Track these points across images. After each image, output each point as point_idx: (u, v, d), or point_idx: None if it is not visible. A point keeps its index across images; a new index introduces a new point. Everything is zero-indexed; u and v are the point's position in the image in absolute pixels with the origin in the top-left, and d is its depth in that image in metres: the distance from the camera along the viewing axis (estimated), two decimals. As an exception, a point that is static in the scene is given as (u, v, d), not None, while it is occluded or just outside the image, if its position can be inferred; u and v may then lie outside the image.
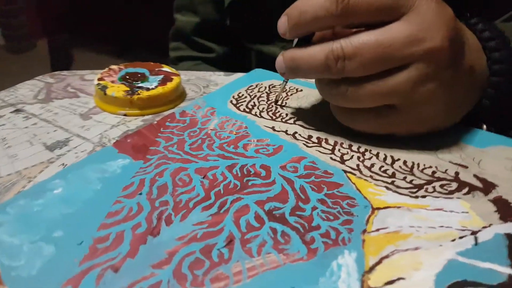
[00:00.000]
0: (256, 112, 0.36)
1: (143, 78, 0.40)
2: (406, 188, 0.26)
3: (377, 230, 0.23)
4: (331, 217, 0.23)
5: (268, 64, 0.57)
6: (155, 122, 0.34)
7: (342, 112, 0.31)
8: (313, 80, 0.45)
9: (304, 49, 0.29)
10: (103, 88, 0.37)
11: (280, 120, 0.34)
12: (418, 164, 0.28)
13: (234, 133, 0.32)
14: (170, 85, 0.38)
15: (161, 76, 0.40)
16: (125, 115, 0.37)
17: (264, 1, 0.57)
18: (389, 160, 0.29)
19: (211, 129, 0.33)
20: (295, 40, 0.31)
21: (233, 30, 0.65)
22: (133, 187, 0.26)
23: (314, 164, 0.28)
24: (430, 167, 0.28)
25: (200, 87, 0.44)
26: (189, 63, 0.71)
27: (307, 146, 0.30)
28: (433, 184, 0.26)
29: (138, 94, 0.37)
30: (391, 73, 0.27)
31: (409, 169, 0.28)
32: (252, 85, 0.41)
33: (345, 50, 0.27)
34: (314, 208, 0.24)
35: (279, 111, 0.36)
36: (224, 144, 0.31)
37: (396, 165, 0.28)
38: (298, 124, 0.34)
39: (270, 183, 0.26)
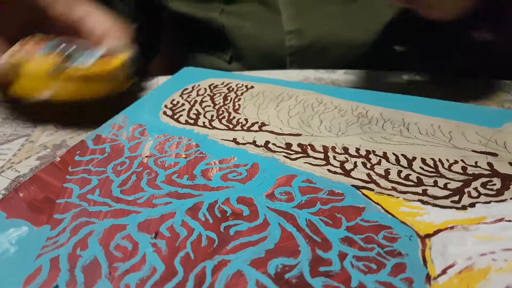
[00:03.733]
0: (204, 122, 0.26)
1: (75, 52, 0.29)
2: (446, 197, 0.19)
3: (444, 272, 0.15)
4: (373, 266, 0.15)
5: (208, 36, 0.44)
6: (58, 159, 0.22)
7: None
8: (264, 73, 0.37)
9: None
10: (17, 65, 0.26)
11: (240, 128, 0.25)
12: (441, 160, 0.21)
13: (183, 156, 0.22)
14: (115, 61, 0.28)
15: (100, 51, 0.29)
16: (49, 98, 0.26)
17: None
18: (403, 161, 0.21)
19: (147, 156, 0.22)
20: None
21: None
22: (41, 275, 0.15)
23: (311, 183, 0.20)
24: (456, 162, 0.21)
25: (113, 100, 0.33)
26: None
27: (291, 159, 0.22)
28: (473, 185, 0.20)
29: (73, 69, 0.26)
30: None
31: (434, 169, 0.21)
32: (187, 88, 0.31)
33: None
34: (342, 256, 0.16)
35: (234, 117, 0.27)
36: (174, 175, 0.21)
37: (415, 166, 0.21)
38: (266, 130, 0.25)
39: (261, 226, 0.17)
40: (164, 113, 0.27)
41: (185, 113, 0.27)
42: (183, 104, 0.28)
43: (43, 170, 0.21)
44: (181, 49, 0.53)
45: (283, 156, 0.22)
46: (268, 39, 0.42)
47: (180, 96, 0.30)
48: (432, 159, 0.21)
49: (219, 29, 0.45)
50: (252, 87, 0.31)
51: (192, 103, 0.29)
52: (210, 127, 0.25)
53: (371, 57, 0.42)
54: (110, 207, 0.18)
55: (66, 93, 0.27)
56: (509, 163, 0.21)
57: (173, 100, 0.29)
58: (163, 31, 0.53)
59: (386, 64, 0.39)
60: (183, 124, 0.26)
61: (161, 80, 0.35)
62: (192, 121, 0.26)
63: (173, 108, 0.28)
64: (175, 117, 0.27)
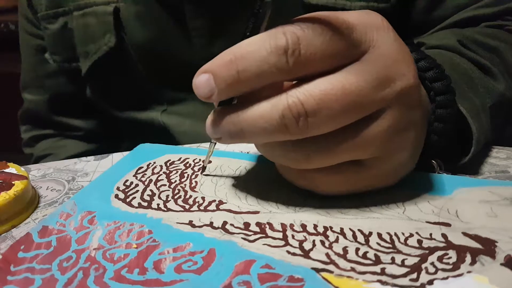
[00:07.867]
0: (159, 203, 0.25)
1: None
2: (404, 276, 0.19)
3: None
4: None
5: (148, 133, 0.47)
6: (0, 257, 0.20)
7: (303, 176, 0.24)
8: (221, 146, 0.37)
9: (249, 109, 0.21)
10: None
11: (197, 208, 0.25)
12: (396, 235, 0.21)
13: (134, 246, 0.21)
14: (3, 197, 0.25)
15: None
16: None
17: (132, 65, 0.48)
18: (360, 238, 0.21)
19: (95, 249, 0.21)
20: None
21: (96, 100, 0.54)
22: None
23: (270, 268, 0.19)
24: (411, 235, 0.21)
25: (63, 182, 0.31)
26: (48, 141, 0.58)
27: (249, 241, 0.21)
28: (430, 260, 0.20)
29: None
30: (362, 124, 0.21)
31: (390, 245, 0.21)
32: (141, 167, 0.30)
33: (306, 105, 0.20)
34: None
35: (191, 196, 0.26)
36: (123, 270, 0.19)
37: (372, 242, 0.21)
38: (224, 209, 0.24)
39: (217, 324, 0.16)
40: (116, 196, 0.26)
41: (138, 195, 0.26)
42: (137, 185, 0.28)
43: (-22, 273, 0.19)
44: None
45: (241, 238, 0.22)
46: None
47: (134, 176, 0.29)
48: (388, 233, 0.22)
49: (160, 126, 0.49)
50: (209, 162, 0.31)
51: (146, 183, 0.28)
52: (165, 209, 0.25)
53: None
54: (51, 315, 0.17)
55: None
56: (462, 233, 0.21)
57: (126, 181, 0.28)
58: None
59: None
60: (136, 208, 0.25)
61: (115, 158, 0.34)
62: (145, 204, 0.25)
63: (126, 190, 0.27)
64: (128, 200, 0.26)
